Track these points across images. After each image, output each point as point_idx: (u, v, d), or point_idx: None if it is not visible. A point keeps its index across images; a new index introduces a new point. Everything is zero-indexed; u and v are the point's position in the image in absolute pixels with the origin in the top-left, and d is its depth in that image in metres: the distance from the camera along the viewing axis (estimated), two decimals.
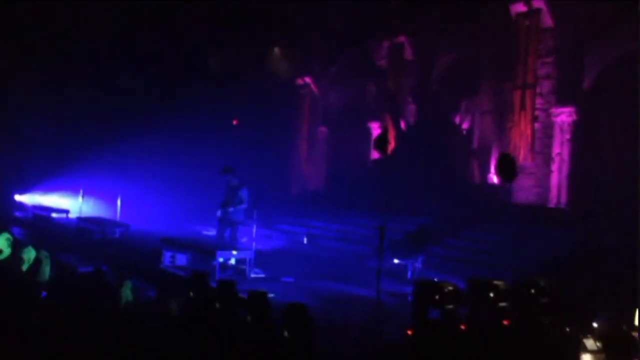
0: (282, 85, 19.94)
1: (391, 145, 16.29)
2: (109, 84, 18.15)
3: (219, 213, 10.62)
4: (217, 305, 6.20)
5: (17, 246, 9.13)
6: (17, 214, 16.89)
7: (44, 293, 6.78)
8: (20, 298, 6.91)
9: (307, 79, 19.79)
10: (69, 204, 17.37)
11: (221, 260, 9.33)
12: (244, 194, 10.49)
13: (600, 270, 8.74)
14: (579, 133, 12.75)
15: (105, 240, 12.95)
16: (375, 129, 17.38)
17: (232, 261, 9.80)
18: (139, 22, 17.77)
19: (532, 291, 6.14)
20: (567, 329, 5.91)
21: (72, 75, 18.13)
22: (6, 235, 9.04)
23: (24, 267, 8.12)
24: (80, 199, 15.89)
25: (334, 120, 19.59)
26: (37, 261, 8.19)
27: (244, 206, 10.52)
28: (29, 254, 8.65)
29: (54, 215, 16.09)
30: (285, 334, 5.32)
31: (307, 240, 13.72)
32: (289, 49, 19.55)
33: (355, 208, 14.99)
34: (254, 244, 9.99)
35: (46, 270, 8.17)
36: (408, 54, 16.74)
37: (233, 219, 10.57)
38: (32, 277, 7.79)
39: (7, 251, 8.73)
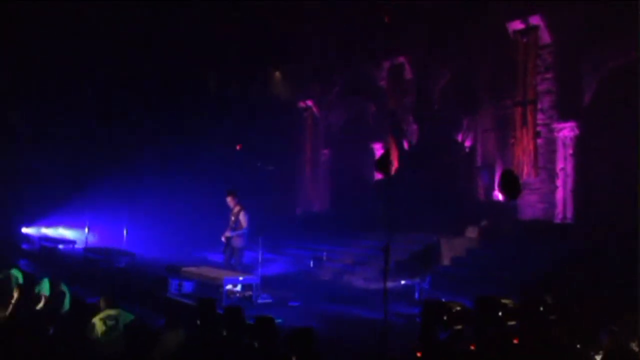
0: (284, 109, 20.10)
1: (394, 166, 16.34)
2: (112, 112, 18.31)
3: (222, 239, 10.65)
4: (224, 332, 6.17)
5: (29, 281, 9.11)
6: (24, 246, 16.95)
7: (51, 329, 6.74)
8: (32, 333, 6.87)
9: (309, 102, 19.95)
10: (75, 234, 17.44)
11: (228, 287, 9.31)
12: (243, 218, 10.50)
13: (609, 284, 8.66)
14: (582, 147, 12.75)
15: (111, 270, 12.95)
16: (378, 150, 17.43)
17: (238, 287, 9.78)
18: (140, 50, 17.97)
19: (541, 308, 6.09)
20: (578, 346, 5.85)
21: (75, 106, 18.31)
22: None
23: (41, 303, 8.05)
24: (86, 229, 15.95)
25: (337, 141, 19.67)
26: (61, 294, 8.18)
27: (244, 231, 10.50)
28: (44, 288, 8.64)
29: (60, 246, 16.13)
30: (293, 359, 5.28)
31: (314, 264, 13.67)
32: (289, 72, 19.74)
33: (360, 229, 14.94)
34: (259, 269, 9.97)
35: (67, 302, 8.17)
36: (408, 73, 16.85)
37: (235, 245, 10.57)
38: (52, 310, 7.75)
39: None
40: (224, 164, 18.29)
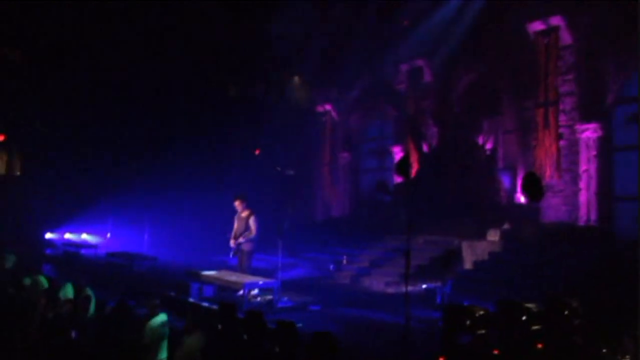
0: (303, 113, 20.13)
1: (414, 169, 16.26)
2: (132, 119, 18.50)
3: (231, 244, 10.57)
4: (245, 336, 6.17)
5: (54, 286, 9.23)
6: (47, 251, 17.18)
7: (75, 333, 6.80)
8: (55, 337, 6.93)
9: (327, 106, 19.95)
10: (97, 239, 17.65)
11: (248, 291, 9.32)
12: (253, 224, 10.42)
13: (634, 288, 8.49)
14: (605, 149, 12.55)
15: (133, 274, 13.06)
16: (397, 153, 17.35)
17: (256, 291, 9.77)
18: (158, 54, 18.13)
19: (565, 313, 5.98)
20: (604, 350, 5.73)
21: (97, 114, 18.54)
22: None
23: (65, 307, 8.14)
24: (108, 234, 16.12)
25: (355, 145, 19.63)
26: (87, 298, 8.26)
27: (253, 236, 10.41)
28: (68, 292, 8.74)
29: (82, 251, 16.32)
30: None
31: (334, 268, 13.63)
32: (307, 77, 19.76)
33: (379, 233, 14.87)
34: (279, 273, 9.96)
35: (92, 307, 8.25)
36: (427, 76, 16.76)
37: (244, 249, 10.50)
38: (77, 315, 7.82)
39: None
40: (243, 168, 18.35)
